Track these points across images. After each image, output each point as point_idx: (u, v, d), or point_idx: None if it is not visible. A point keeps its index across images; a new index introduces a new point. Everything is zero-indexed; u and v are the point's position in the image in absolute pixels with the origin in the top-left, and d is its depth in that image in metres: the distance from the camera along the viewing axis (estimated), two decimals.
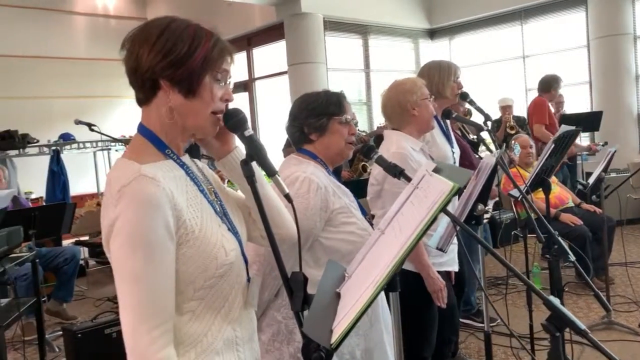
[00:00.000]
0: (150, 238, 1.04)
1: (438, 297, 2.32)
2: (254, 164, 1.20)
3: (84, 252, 6.21)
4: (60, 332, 4.17)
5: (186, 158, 1.25)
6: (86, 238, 6.33)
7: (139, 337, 1.03)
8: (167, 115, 1.15)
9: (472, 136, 5.06)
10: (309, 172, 1.78)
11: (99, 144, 6.93)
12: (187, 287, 1.12)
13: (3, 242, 3.21)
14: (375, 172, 2.38)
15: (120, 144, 6.80)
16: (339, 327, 0.95)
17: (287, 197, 1.19)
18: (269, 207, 1.28)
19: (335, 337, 0.93)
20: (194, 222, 1.13)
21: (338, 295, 1.21)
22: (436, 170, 1.19)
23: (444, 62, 2.97)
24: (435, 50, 9.43)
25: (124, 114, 9.07)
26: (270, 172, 1.20)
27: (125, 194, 1.05)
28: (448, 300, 2.35)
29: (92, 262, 6.49)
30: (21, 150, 6.38)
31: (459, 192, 0.91)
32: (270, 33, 8.65)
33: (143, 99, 1.18)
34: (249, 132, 1.23)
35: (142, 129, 1.19)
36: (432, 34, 9.61)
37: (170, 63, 1.12)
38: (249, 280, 1.26)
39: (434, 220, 0.92)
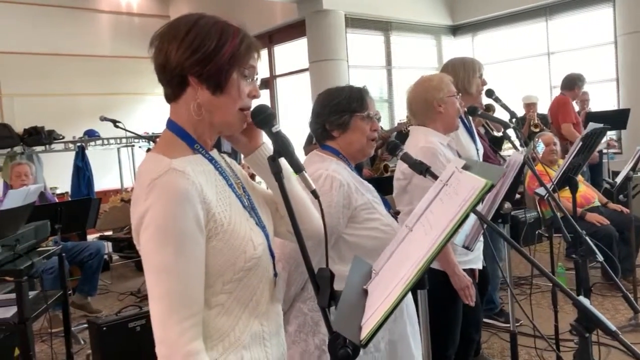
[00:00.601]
0: (180, 230, 1.05)
1: (465, 294, 2.31)
2: (281, 160, 1.21)
3: (108, 246, 6.30)
4: (86, 325, 4.24)
5: (214, 153, 1.26)
6: (110, 233, 6.43)
7: (169, 328, 1.04)
8: (195, 111, 1.16)
9: (495, 133, 5.01)
10: (331, 169, 1.78)
11: (123, 140, 7.02)
12: (216, 280, 1.13)
13: (31, 236, 3.27)
14: (403, 166, 2.36)
15: (143, 140, 6.89)
16: (369, 323, 0.95)
17: (314, 193, 1.20)
18: (296, 203, 1.28)
19: (364, 334, 0.93)
20: (223, 216, 1.14)
21: (365, 292, 1.21)
22: (465, 167, 1.18)
23: (468, 59, 2.95)
24: (457, 47, 9.34)
25: (147, 111, 9.18)
26: (298, 169, 1.20)
27: (156, 187, 1.06)
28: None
29: (115, 257, 6.57)
30: (47, 146, 6.51)
31: (491, 189, 0.90)
32: (292, 30, 8.66)
33: (171, 96, 1.19)
34: (276, 128, 1.24)
35: (171, 125, 1.20)
36: (455, 30, 9.52)
37: (198, 59, 1.13)
38: (275, 275, 1.26)
39: (466, 217, 0.91)
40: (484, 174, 0.98)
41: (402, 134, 7.76)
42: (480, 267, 2.57)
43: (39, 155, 6.58)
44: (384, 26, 8.72)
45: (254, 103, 1.25)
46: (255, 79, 1.23)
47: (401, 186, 2.41)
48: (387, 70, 8.99)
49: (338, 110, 1.83)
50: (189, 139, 1.19)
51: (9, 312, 2.87)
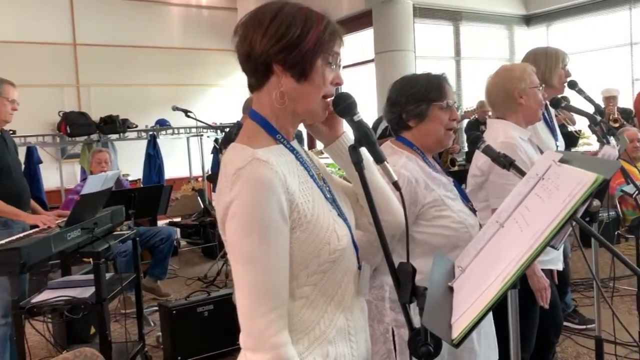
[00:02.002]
0: (265, 220, 1.04)
1: (542, 296, 2.20)
2: (362, 150, 1.17)
3: (176, 232, 6.50)
4: (156, 308, 4.40)
5: (295, 143, 1.24)
6: (178, 219, 6.63)
7: (256, 320, 1.04)
8: (278, 100, 1.15)
9: (571, 128, 4.77)
10: (400, 164, 1.72)
11: (192, 130, 7.20)
12: (300, 272, 1.11)
13: (107, 220, 3.41)
14: (480, 162, 2.27)
15: (211, 130, 7.05)
16: (460, 322, 0.90)
17: (396, 184, 1.16)
18: (377, 194, 1.25)
19: (457, 333, 0.88)
20: (306, 207, 1.12)
21: (450, 289, 1.16)
22: (563, 160, 1.11)
23: (552, 49, 2.80)
24: (531, 38, 8.96)
25: (211, 102, 9.39)
26: (379, 159, 1.16)
27: (241, 177, 1.06)
28: (551, 299, 2.22)
29: (183, 243, 6.78)
30: (121, 134, 6.77)
31: (602, 184, 0.83)
32: (357, 21, 8.57)
33: (255, 85, 1.19)
34: (358, 117, 1.21)
35: (254, 115, 1.20)
36: (528, 20, 9.13)
37: (283, 47, 1.11)
38: (359, 268, 1.23)
39: (573, 214, 0.85)
40: (592, 168, 0.90)
41: (471, 123, 7.56)
42: (560, 268, 2.44)
43: (113, 142, 6.85)
44: (454, 16, 8.49)
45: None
46: (338, 65, 1.20)
47: (477, 183, 2.32)
48: (456, 62, 8.75)
49: (416, 99, 1.76)
50: (271, 129, 1.18)
51: (87, 292, 3.00)
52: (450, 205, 1.76)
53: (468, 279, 1.08)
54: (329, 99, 1.19)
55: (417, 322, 1.08)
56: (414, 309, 1.07)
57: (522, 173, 1.68)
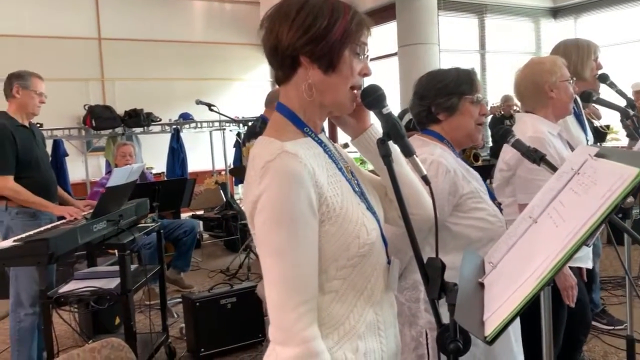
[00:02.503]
0: (294, 213, 1.04)
1: (568, 294, 2.16)
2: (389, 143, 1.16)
3: (199, 225, 6.55)
4: (179, 300, 4.44)
5: (323, 136, 1.23)
6: (201, 212, 6.68)
7: (286, 313, 1.03)
8: (306, 92, 1.13)
9: (596, 123, 4.67)
10: (437, 154, 1.69)
11: (215, 124, 7.23)
12: (329, 265, 1.10)
13: (132, 212, 3.45)
14: (507, 156, 2.23)
15: (234, 124, 7.08)
16: (494, 319, 0.88)
17: (425, 178, 1.14)
18: (406, 187, 1.23)
19: (490, 330, 0.86)
20: (335, 200, 1.11)
21: (481, 285, 1.14)
22: (599, 155, 1.07)
23: (583, 40, 2.73)
24: (558, 31, 8.78)
25: (234, 96, 9.43)
26: (408, 152, 1.15)
27: (269, 170, 1.05)
28: (580, 297, 2.18)
29: (205, 236, 6.83)
30: (145, 128, 6.83)
31: None
32: (381, 14, 8.49)
33: (282, 78, 1.17)
34: (387, 109, 1.19)
35: (281, 108, 1.19)
36: (555, 12, 8.95)
37: (310, 38, 1.10)
38: (389, 262, 1.22)
39: (612, 210, 0.82)
40: (632, 162, 0.87)
41: (495, 118, 7.45)
42: (590, 266, 2.39)
43: (137, 136, 6.93)
44: (479, 8, 8.37)
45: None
46: (366, 56, 1.19)
47: (504, 177, 2.28)
48: (481, 55, 8.63)
49: (446, 92, 1.73)
50: (299, 122, 1.17)
51: (112, 283, 3.04)
52: (484, 199, 1.73)
53: (500, 275, 1.05)
54: (356, 91, 1.18)
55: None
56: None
57: (552, 168, 1.65)
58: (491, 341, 0.86)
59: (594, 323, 3.56)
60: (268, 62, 1.19)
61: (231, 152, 7.53)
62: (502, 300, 0.91)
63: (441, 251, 1.68)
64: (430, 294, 1.10)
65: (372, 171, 1.37)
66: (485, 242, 1.65)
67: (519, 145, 1.66)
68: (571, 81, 2.28)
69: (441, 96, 1.73)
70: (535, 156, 1.60)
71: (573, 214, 0.93)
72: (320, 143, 1.19)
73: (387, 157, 1.15)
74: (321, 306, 1.09)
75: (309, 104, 1.16)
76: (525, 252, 1.02)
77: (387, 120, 1.16)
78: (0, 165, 3.18)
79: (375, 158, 1.24)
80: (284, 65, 1.15)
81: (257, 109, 7.88)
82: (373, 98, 1.18)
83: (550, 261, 0.84)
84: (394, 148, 1.18)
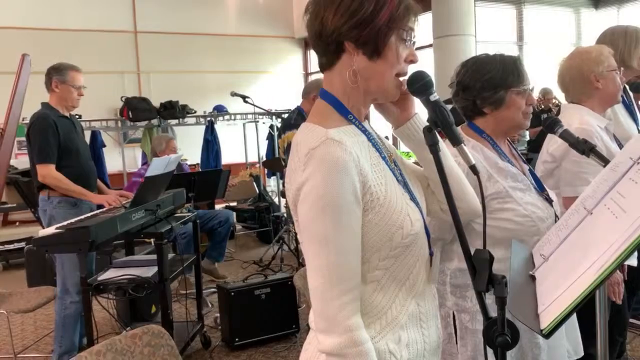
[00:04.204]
0: (339, 201, 1.02)
1: (614, 290, 2.08)
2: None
3: (233, 216, 6.61)
4: (213, 289, 4.49)
5: (367, 124, 1.20)
6: (234, 204, 6.73)
7: (329, 301, 1.02)
8: (350, 78, 1.11)
9: None
10: None
11: (249, 116, 7.27)
12: (372, 255, 1.08)
13: (169, 202, 3.49)
14: (552, 148, 2.16)
15: (267, 116, 7.10)
16: (551, 311, 0.85)
17: (473, 168, 1.11)
18: (450, 179, 1.19)
19: (547, 323, 0.83)
20: (379, 189, 1.08)
21: (532, 278, 1.10)
22: None
23: (632, 28, 2.62)
24: (600, 21, 8.52)
25: (266, 88, 9.46)
26: (456, 141, 1.11)
27: (314, 157, 1.04)
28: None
29: (238, 227, 6.88)
30: (180, 119, 6.91)
31: None
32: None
33: (326, 64, 1.15)
34: (434, 96, 1.15)
35: (325, 94, 1.17)
36: (597, 2, 8.68)
37: (356, 23, 1.08)
38: (431, 254, 1.19)
39: None
40: None
41: (534, 112, 7.29)
42: (634, 264, 2.30)
43: (172, 128, 7.01)
44: None
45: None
46: (413, 42, 1.15)
47: (548, 169, 2.21)
48: (518, 47, 8.45)
49: (492, 85, 1.66)
50: (343, 109, 1.14)
51: (150, 272, 3.08)
52: (516, 198, 1.67)
53: (553, 268, 1.02)
54: (402, 78, 1.15)
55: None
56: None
57: (603, 159, 1.59)
58: (548, 334, 0.83)
59: (636, 321, 3.45)
60: (312, 47, 1.17)
61: (264, 145, 7.56)
62: (558, 293, 0.87)
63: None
64: (478, 287, 1.07)
65: (415, 163, 1.34)
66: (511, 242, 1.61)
67: (567, 136, 1.60)
68: (619, 71, 2.19)
69: (487, 90, 1.66)
70: (585, 147, 1.54)
71: (635, 204, 0.88)
72: (364, 131, 1.17)
73: (434, 145, 1.12)
74: (363, 296, 1.08)
75: (353, 91, 1.13)
76: (581, 244, 0.98)
77: (436, 108, 1.13)
78: (43, 153, 3.25)
79: (417, 148, 1.22)
80: (328, 51, 1.13)
81: (288, 102, 7.90)
82: (421, 84, 1.14)
83: (612, 252, 0.81)
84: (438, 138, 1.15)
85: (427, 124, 1.17)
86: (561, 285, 0.89)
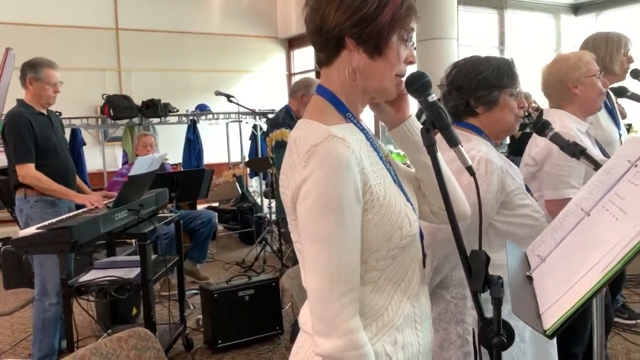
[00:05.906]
0: (341, 200, 1.00)
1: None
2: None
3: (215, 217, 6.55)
4: (195, 291, 4.44)
5: (364, 123, 1.19)
6: (216, 204, 6.67)
7: (329, 303, 1.00)
8: (350, 76, 1.10)
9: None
10: (484, 151, 1.62)
11: (232, 115, 7.21)
12: (370, 256, 1.07)
13: (152, 202, 3.44)
14: (534, 151, 2.18)
15: (250, 116, 7.06)
16: (554, 311, 0.85)
17: (470, 169, 1.10)
18: (445, 181, 1.19)
19: (550, 323, 0.83)
20: (379, 189, 1.07)
21: (529, 279, 1.10)
22: None
23: (613, 33, 2.67)
24: (579, 27, 8.67)
25: (250, 88, 9.40)
26: (454, 142, 1.11)
27: (316, 154, 1.01)
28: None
29: (220, 228, 6.82)
30: (162, 118, 6.82)
31: None
32: None
33: (324, 60, 1.14)
34: (432, 97, 1.15)
35: (322, 90, 1.15)
36: (577, 9, 8.83)
37: (359, 20, 1.06)
38: (424, 255, 1.19)
39: None
40: None
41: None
42: None
43: (154, 126, 6.92)
44: (499, 3, 8.28)
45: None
46: (412, 43, 1.15)
47: (529, 172, 2.24)
48: (500, 51, 8.55)
49: (487, 85, 1.65)
50: (342, 107, 1.13)
51: (132, 273, 3.03)
52: (528, 195, 1.68)
53: (553, 268, 1.02)
54: (401, 78, 1.14)
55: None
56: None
57: (593, 162, 1.60)
58: (552, 334, 0.82)
59: (615, 319, 3.50)
60: (311, 42, 1.15)
61: (247, 144, 7.51)
62: (560, 293, 0.87)
63: (489, 250, 1.64)
64: (473, 287, 1.06)
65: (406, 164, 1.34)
66: (531, 240, 1.61)
67: (557, 139, 1.61)
68: (599, 76, 2.22)
69: (481, 89, 1.66)
70: (576, 150, 1.55)
71: (637, 205, 0.89)
72: (363, 130, 1.16)
73: (431, 146, 1.11)
74: (361, 297, 1.06)
75: (351, 89, 1.12)
76: (581, 245, 0.99)
77: (434, 108, 1.12)
78: (21, 153, 3.17)
79: (411, 150, 1.21)
80: (327, 47, 1.11)
81: (271, 102, 7.86)
82: (420, 85, 1.14)
83: (616, 253, 0.81)
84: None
85: (422, 125, 1.17)
86: (563, 286, 0.89)
